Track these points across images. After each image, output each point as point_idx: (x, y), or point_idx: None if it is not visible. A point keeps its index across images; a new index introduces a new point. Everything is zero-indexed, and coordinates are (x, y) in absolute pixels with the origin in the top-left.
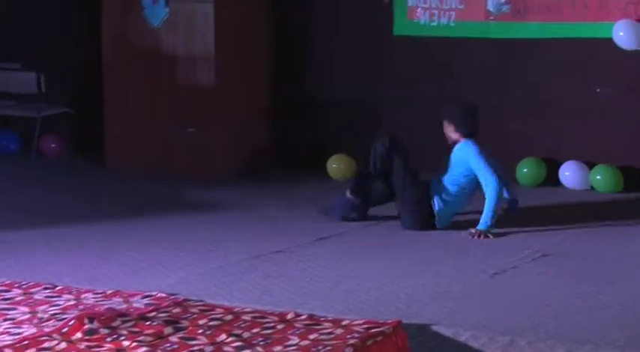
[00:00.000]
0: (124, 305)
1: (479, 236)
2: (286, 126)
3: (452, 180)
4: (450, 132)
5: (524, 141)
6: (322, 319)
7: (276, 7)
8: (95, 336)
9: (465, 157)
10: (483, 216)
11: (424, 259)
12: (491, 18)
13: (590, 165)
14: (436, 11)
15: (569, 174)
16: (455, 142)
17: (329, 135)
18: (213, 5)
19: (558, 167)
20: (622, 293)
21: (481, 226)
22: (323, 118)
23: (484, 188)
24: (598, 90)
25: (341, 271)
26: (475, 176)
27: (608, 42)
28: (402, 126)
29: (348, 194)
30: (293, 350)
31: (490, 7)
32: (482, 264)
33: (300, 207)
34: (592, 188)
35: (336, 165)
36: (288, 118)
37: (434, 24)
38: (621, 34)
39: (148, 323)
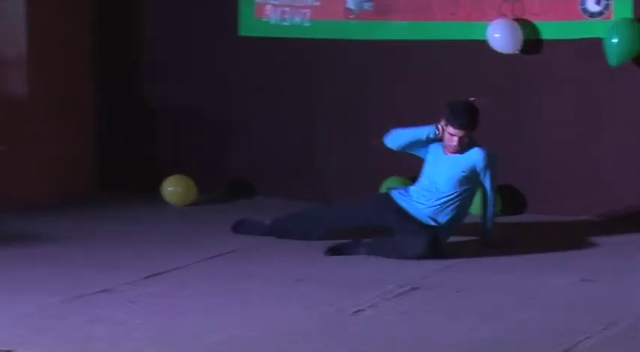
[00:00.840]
0: None
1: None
2: (114, 142)
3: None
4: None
5: (389, 157)
6: None
7: (102, 5)
8: None
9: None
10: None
11: (278, 296)
12: (352, 17)
13: None
14: (288, 9)
15: None
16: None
17: (165, 152)
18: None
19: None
20: (499, 330)
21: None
22: (158, 132)
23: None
24: (472, 98)
25: (178, 312)
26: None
27: (483, 44)
28: (250, 141)
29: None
30: None
31: (350, 4)
32: (340, 300)
33: (132, 237)
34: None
35: (173, 188)
36: (117, 133)
37: (286, 23)
38: (497, 36)
39: None
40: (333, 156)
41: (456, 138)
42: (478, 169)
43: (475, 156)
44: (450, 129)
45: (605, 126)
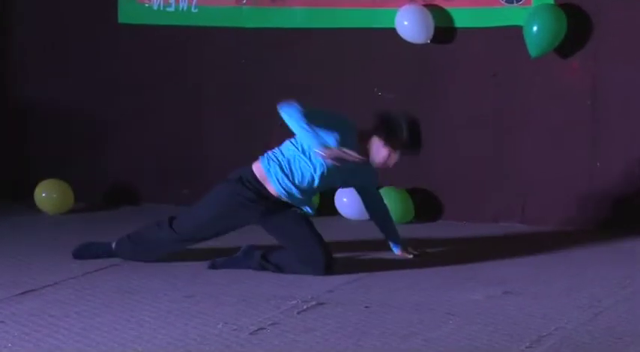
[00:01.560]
0: None
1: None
2: None
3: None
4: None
5: None
6: None
7: None
8: None
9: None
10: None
11: (168, 314)
12: (245, 2)
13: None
14: None
15: (347, 200)
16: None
17: (37, 155)
18: None
19: (334, 192)
20: (415, 349)
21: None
22: (30, 132)
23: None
24: (379, 93)
25: (54, 333)
26: None
27: (391, 33)
28: (132, 141)
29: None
30: None
31: None
32: (237, 318)
33: (1, 249)
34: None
35: (47, 194)
36: None
37: (170, 9)
38: (406, 24)
39: None
40: (225, 156)
41: (392, 163)
42: (364, 183)
43: (368, 177)
44: (394, 152)
45: (525, 123)
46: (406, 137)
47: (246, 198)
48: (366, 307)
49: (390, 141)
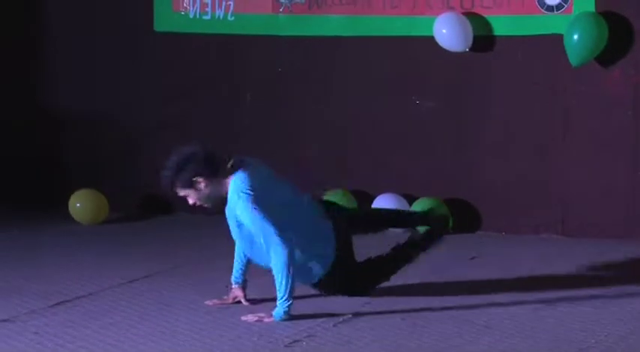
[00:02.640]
0: None
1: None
2: (11, 153)
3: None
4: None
5: (325, 168)
6: None
7: None
8: None
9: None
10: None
11: (203, 326)
12: (281, 10)
13: (411, 199)
14: (209, 1)
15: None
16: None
17: (72, 164)
18: None
19: (371, 201)
20: None
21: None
22: (65, 142)
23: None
24: (417, 102)
25: (88, 344)
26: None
27: (429, 41)
28: (166, 150)
29: None
30: None
31: None
32: (272, 330)
33: (35, 259)
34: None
35: (82, 204)
36: (14, 142)
37: (206, 17)
38: (444, 32)
39: None
40: None
41: (190, 200)
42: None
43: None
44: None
45: (566, 133)
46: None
47: None
48: (402, 319)
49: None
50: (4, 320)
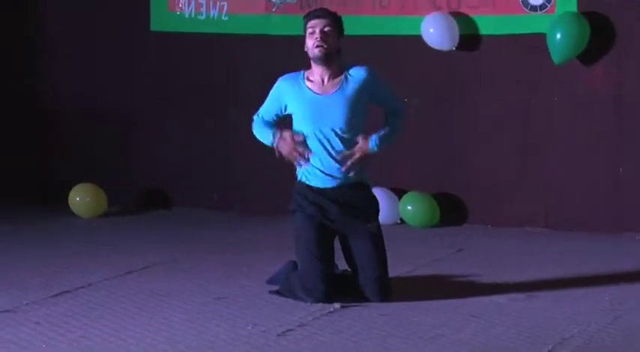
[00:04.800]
0: None
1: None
2: (10, 148)
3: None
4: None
5: None
6: None
7: None
8: None
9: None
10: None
11: (199, 316)
12: (274, 10)
13: (400, 193)
14: (204, 1)
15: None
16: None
17: (71, 159)
18: None
19: None
20: (440, 351)
21: (373, 143)
22: (63, 137)
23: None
24: (405, 100)
25: (87, 334)
26: None
27: (417, 40)
28: (163, 146)
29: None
30: None
31: None
32: (266, 320)
33: (36, 252)
34: (402, 221)
35: (81, 198)
36: (13, 138)
37: (201, 17)
38: (432, 31)
39: None
40: (254, 162)
41: (317, 32)
42: (369, 89)
43: (358, 75)
44: (309, 26)
45: (549, 129)
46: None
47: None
48: (394, 310)
49: (304, 25)
50: (7, 311)
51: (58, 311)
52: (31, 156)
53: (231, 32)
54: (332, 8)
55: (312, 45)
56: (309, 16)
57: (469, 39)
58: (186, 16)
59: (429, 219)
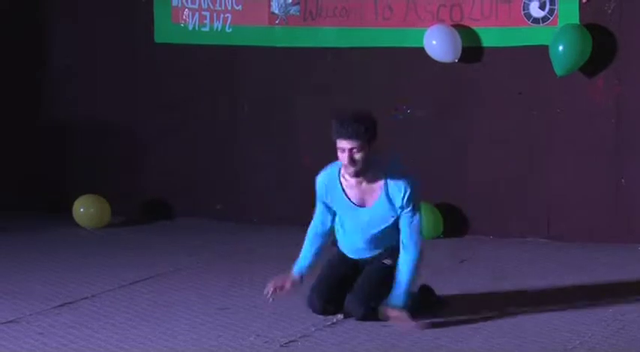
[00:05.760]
0: None
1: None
2: (14, 159)
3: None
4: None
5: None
6: None
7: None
8: None
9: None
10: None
11: (202, 326)
12: (277, 22)
13: None
14: (207, 13)
15: None
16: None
17: (75, 170)
18: None
19: None
20: None
21: (398, 301)
22: (68, 148)
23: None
24: (408, 110)
25: (91, 344)
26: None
27: (420, 52)
28: (167, 157)
29: None
30: None
31: (275, 8)
32: (268, 331)
33: (40, 262)
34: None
35: (85, 209)
36: (18, 148)
37: (205, 29)
38: (434, 43)
39: None
40: (258, 173)
41: (346, 152)
42: (397, 205)
43: (398, 190)
44: (338, 144)
45: (551, 140)
46: (337, 123)
47: None
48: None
49: (334, 135)
50: (11, 321)
51: (61, 321)
52: (36, 167)
53: (234, 44)
54: (335, 21)
55: (342, 161)
56: (339, 133)
57: (472, 51)
58: (190, 28)
59: (432, 230)
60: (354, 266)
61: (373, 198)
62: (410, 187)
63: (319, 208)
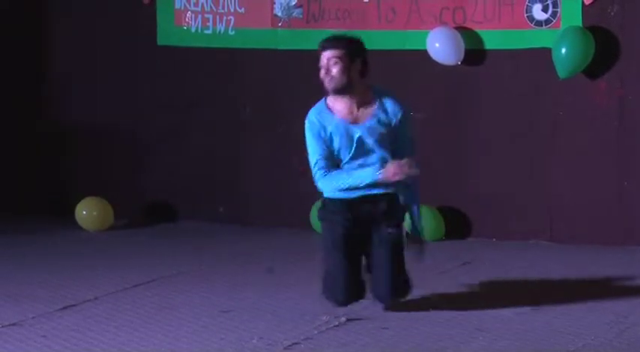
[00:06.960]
0: None
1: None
2: (17, 162)
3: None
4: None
5: None
6: None
7: None
8: None
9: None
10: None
11: (204, 329)
12: (280, 25)
13: None
14: (210, 16)
15: None
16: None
17: (78, 173)
18: None
19: None
20: None
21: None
22: (70, 151)
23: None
24: (411, 112)
25: (94, 347)
26: None
27: (423, 54)
28: (169, 159)
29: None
30: None
31: (278, 11)
32: (271, 333)
33: (43, 265)
34: (407, 234)
35: (88, 212)
36: (20, 152)
37: (208, 32)
38: (437, 46)
39: None
40: (260, 175)
41: (324, 63)
42: (393, 124)
43: (394, 110)
44: (320, 63)
45: (554, 142)
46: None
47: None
48: (398, 323)
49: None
50: (14, 324)
51: (64, 324)
52: (38, 170)
53: (237, 47)
54: (337, 23)
55: (322, 78)
56: (320, 48)
57: (474, 53)
58: (193, 30)
59: (434, 233)
60: (358, 234)
61: (366, 115)
62: (405, 106)
63: (318, 149)
